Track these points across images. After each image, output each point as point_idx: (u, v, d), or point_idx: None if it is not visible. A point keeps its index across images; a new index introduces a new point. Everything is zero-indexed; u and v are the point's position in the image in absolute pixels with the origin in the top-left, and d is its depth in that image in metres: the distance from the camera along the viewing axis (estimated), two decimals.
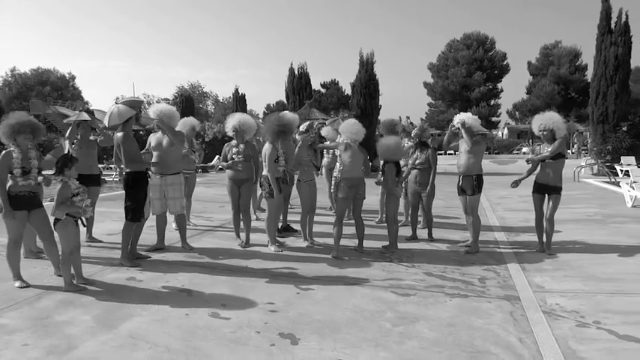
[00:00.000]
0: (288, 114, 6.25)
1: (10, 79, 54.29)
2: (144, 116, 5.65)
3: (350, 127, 5.59)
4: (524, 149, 40.18)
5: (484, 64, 52.93)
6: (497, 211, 8.93)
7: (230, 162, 5.85)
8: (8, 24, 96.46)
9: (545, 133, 5.55)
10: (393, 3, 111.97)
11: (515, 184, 5.79)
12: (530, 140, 39.18)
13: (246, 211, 6.05)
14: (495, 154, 40.30)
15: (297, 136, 6.33)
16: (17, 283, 4.35)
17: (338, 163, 6.36)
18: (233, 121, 5.94)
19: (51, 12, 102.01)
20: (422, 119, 58.18)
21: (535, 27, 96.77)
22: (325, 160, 8.18)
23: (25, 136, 4.36)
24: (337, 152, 6.47)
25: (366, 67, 20.56)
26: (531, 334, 3.33)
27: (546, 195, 5.62)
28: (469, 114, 6.00)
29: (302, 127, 6.33)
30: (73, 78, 59.03)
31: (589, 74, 40.06)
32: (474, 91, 52.02)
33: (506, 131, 55.03)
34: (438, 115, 53.32)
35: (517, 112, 57.00)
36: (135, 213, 5.08)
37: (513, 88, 73.86)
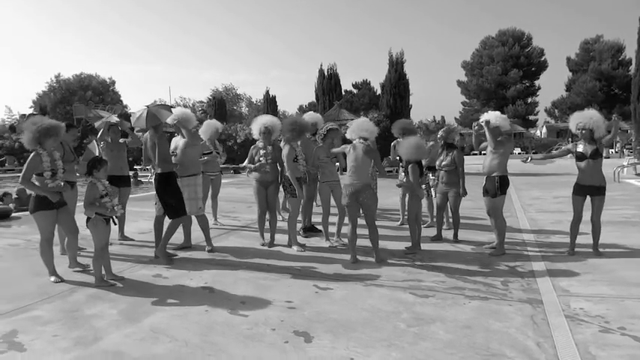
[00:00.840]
0: (309, 114, 6.32)
1: (55, 84, 56.83)
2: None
3: (358, 126, 5.34)
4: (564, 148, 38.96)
5: (520, 60, 51.61)
6: (528, 212, 8.70)
7: (257, 164, 5.92)
8: (54, 29, 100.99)
9: (583, 132, 5.35)
10: (425, 2, 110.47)
11: (526, 159, 5.92)
12: (570, 139, 37.91)
13: (273, 212, 6.13)
14: (533, 153, 39.11)
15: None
16: (52, 278, 4.59)
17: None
18: (259, 123, 5.99)
19: (95, 18, 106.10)
20: (455, 118, 57.20)
21: (574, 21, 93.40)
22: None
23: (50, 138, 4.50)
24: None
25: (396, 66, 20.46)
26: (550, 339, 3.26)
27: (588, 197, 5.43)
28: (497, 113, 5.86)
29: (322, 130, 6.34)
30: (113, 83, 61.24)
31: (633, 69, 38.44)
32: (510, 89, 50.80)
33: (544, 130, 53.41)
34: (472, 114, 52.25)
35: (556, 110, 55.24)
36: (177, 210, 5.27)
37: (552, 85, 71.71)
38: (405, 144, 5.69)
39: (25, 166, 4.44)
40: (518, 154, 38.32)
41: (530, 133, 46.07)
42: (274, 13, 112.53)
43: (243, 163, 6.24)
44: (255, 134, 6.03)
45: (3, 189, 14.29)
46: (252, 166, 5.98)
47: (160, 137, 5.28)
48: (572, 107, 49.58)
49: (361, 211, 5.29)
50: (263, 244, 6.10)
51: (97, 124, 6.20)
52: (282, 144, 5.81)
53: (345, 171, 6.72)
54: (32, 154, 4.47)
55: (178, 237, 6.03)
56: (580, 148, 5.43)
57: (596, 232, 5.48)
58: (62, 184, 4.66)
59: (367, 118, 5.39)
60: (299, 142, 5.91)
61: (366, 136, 5.31)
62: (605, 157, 25.38)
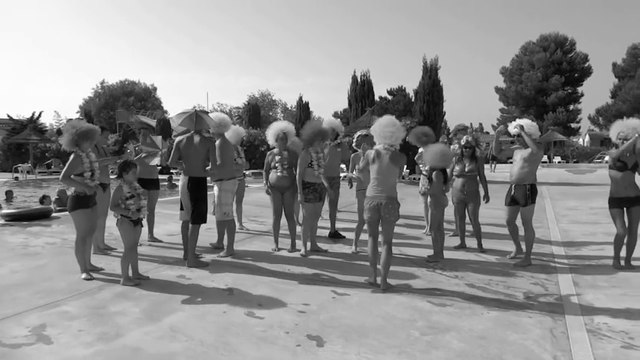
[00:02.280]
0: (327, 120, 6.39)
1: (100, 90, 59.37)
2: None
3: (382, 129, 4.60)
4: (607, 157, 37.22)
5: (562, 66, 49.92)
6: (561, 223, 8.43)
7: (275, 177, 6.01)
8: (100, 36, 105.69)
9: (625, 142, 5.11)
10: (464, 7, 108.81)
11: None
12: (614, 148, 36.29)
13: (291, 218, 6.19)
14: (574, 162, 37.68)
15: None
16: (83, 275, 4.82)
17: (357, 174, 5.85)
18: (274, 129, 6.09)
19: (138, 25, 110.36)
20: (492, 126, 55.93)
21: (621, 26, 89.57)
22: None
23: (87, 141, 4.83)
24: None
25: (430, 73, 20.26)
26: (568, 353, 3.17)
27: (625, 209, 5.21)
28: (527, 120, 5.77)
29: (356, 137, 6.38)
30: (155, 89, 63.41)
31: None
32: (551, 96, 49.20)
33: (587, 138, 51.45)
34: (510, 122, 50.93)
35: (600, 118, 53.07)
36: (204, 216, 5.40)
37: (596, 92, 69.03)
38: (430, 151, 5.65)
39: (67, 165, 4.76)
40: (558, 162, 37.02)
41: (571, 142, 44.41)
42: (311, 21, 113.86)
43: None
44: (271, 140, 6.12)
45: (46, 190, 15.07)
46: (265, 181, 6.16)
47: (211, 141, 5.44)
48: (618, 115, 47.30)
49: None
50: (274, 250, 6.13)
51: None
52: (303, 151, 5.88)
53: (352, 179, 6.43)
54: (73, 155, 4.80)
55: (204, 239, 6.19)
56: (622, 158, 5.17)
57: (633, 242, 5.23)
58: (98, 184, 4.96)
59: (393, 117, 4.79)
60: (319, 148, 5.92)
61: (392, 144, 4.60)
62: None
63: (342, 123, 7.93)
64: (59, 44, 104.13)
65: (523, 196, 5.40)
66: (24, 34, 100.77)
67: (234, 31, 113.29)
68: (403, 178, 17.73)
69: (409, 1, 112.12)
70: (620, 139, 5.20)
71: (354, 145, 6.54)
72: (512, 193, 5.51)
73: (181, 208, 5.53)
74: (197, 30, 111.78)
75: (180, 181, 5.47)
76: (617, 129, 5.27)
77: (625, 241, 5.24)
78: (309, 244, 5.99)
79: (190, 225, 5.37)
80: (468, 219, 6.40)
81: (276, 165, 6.01)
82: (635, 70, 47.67)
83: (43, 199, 9.72)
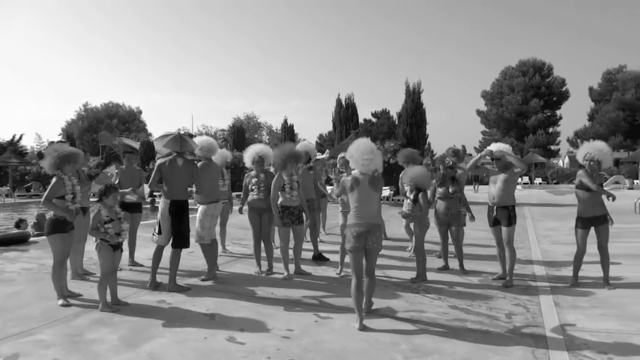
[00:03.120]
0: (302, 143, 6.44)
1: (83, 113, 58.94)
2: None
3: (360, 156, 4.21)
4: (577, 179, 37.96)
5: (541, 90, 51.22)
6: (542, 244, 8.53)
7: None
8: (83, 59, 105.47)
9: (592, 163, 5.34)
10: (445, 30, 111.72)
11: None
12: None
13: (268, 240, 6.16)
14: (554, 183, 38.36)
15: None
16: (60, 302, 4.70)
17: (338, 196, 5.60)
18: (251, 152, 6.12)
19: (121, 48, 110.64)
20: (475, 148, 56.81)
21: (596, 51, 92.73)
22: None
23: (69, 164, 4.80)
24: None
25: (413, 96, 20.62)
26: None
27: (592, 227, 5.41)
28: (500, 144, 5.90)
29: (323, 155, 6.42)
30: (139, 112, 63.20)
31: None
32: (531, 119, 50.28)
33: (567, 160, 52.43)
34: (491, 144, 51.88)
35: (579, 140, 54.20)
36: (187, 240, 5.34)
37: (574, 115, 70.78)
38: (415, 171, 5.72)
39: (49, 188, 4.71)
40: (539, 183, 37.63)
41: (551, 163, 45.21)
42: (296, 45, 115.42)
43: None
44: (248, 163, 6.15)
45: (23, 214, 14.73)
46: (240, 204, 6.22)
47: (194, 165, 5.41)
48: (596, 137, 48.52)
49: None
50: (257, 273, 6.09)
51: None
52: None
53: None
54: (55, 178, 4.76)
55: (186, 264, 6.11)
56: (585, 180, 5.39)
57: (606, 260, 5.41)
58: (79, 207, 4.92)
59: (368, 139, 4.53)
60: (293, 171, 5.87)
61: (370, 169, 4.27)
62: (629, 188, 24.65)
63: (326, 145, 8.03)
64: (41, 66, 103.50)
65: (507, 217, 5.49)
66: (4, 55, 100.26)
67: (218, 55, 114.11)
68: (387, 199, 17.81)
69: (391, 26, 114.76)
70: (586, 160, 5.41)
71: (337, 166, 6.58)
72: (495, 214, 5.60)
73: (159, 232, 5.32)
74: (182, 53, 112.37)
75: (161, 204, 5.35)
76: (584, 151, 5.49)
77: (599, 261, 5.38)
78: (291, 266, 5.94)
79: (172, 249, 5.29)
80: (450, 240, 6.44)
81: (253, 187, 6.02)
82: (610, 94, 49.15)
83: (20, 223, 9.45)
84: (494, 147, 5.82)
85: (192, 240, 5.61)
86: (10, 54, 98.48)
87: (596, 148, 5.43)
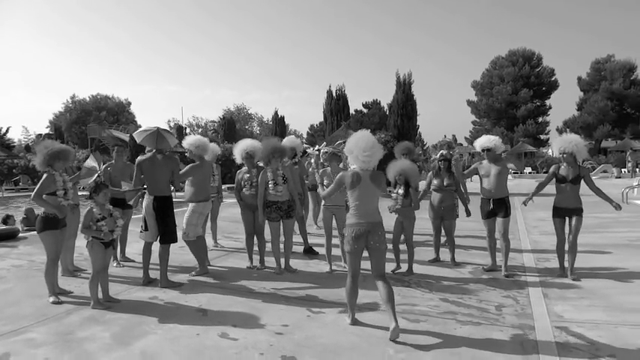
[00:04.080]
0: (288, 138, 6.44)
1: (70, 105, 58.11)
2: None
3: (360, 149, 3.94)
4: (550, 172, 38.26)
5: (531, 80, 51.47)
6: (531, 234, 8.64)
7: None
8: (70, 51, 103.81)
9: (565, 155, 5.47)
10: (435, 22, 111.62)
11: (526, 201, 5.90)
12: (582, 160, 37.29)
13: (261, 235, 6.16)
14: (544, 172, 38.74)
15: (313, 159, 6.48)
16: (51, 299, 4.68)
17: (319, 180, 5.85)
18: (240, 148, 6.11)
19: (109, 38, 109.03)
20: (465, 138, 57.13)
21: (585, 41, 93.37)
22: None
23: (60, 161, 4.77)
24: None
25: (403, 87, 20.62)
26: None
27: (567, 218, 5.53)
28: (490, 136, 5.94)
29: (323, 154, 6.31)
30: (129, 104, 62.43)
31: None
32: (521, 109, 50.57)
33: (555, 140, 53.00)
34: (482, 134, 51.89)
35: (568, 130, 54.68)
36: (174, 235, 5.32)
37: (563, 105, 71.38)
38: (404, 165, 5.67)
39: (39, 184, 4.69)
40: (529, 173, 37.98)
41: (541, 152, 45.60)
42: (287, 35, 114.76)
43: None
44: (238, 159, 6.15)
45: (11, 209, 14.57)
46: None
47: (174, 160, 5.41)
48: (584, 127, 49.16)
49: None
50: (250, 267, 6.11)
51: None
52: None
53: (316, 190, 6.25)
54: (46, 174, 4.73)
55: (177, 258, 6.10)
56: (563, 171, 5.55)
57: (573, 252, 5.50)
58: (72, 203, 4.93)
59: (368, 132, 4.24)
60: (278, 166, 5.82)
61: (371, 163, 4.01)
62: (617, 177, 25.00)
63: (317, 136, 8.03)
64: (28, 59, 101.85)
65: (504, 208, 5.61)
66: None
67: (208, 45, 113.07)
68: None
69: (382, 17, 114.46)
70: (561, 153, 5.53)
71: (321, 161, 6.52)
72: (492, 206, 5.67)
73: (145, 229, 5.30)
74: (171, 43, 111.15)
75: (145, 200, 5.33)
76: (558, 144, 5.60)
77: (586, 252, 5.50)
78: (282, 260, 5.95)
79: (160, 245, 5.28)
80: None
81: (245, 183, 6.03)
82: (598, 84, 49.50)
83: (7, 219, 9.31)
84: (483, 140, 5.87)
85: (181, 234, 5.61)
86: None
87: (567, 140, 5.53)
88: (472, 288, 5.16)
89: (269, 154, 5.77)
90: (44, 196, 4.66)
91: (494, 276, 5.65)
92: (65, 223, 4.86)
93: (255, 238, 6.22)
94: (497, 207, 5.63)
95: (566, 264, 5.60)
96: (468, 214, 6.34)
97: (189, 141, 5.85)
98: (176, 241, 5.41)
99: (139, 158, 5.38)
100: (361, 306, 4.46)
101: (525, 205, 5.94)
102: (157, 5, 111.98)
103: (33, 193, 4.69)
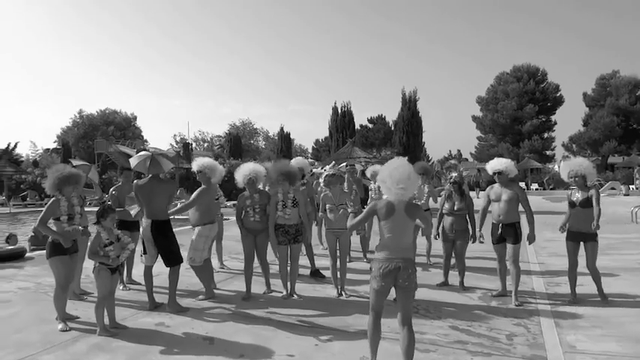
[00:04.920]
0: (296, 160, 6.39)
1: (78, 120, 58.69)
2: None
3: (394, 181, 3.56)
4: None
5: (536, 96, 51.48)
6: (540, 256, 8.55)
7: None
8: (78, 66, 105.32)
9: (576, 179, 5.43)
10: (439, 38, 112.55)
11: (563, 229, 5.75)
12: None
13: (264, 260, 5.99)
14: (550, 189, 38.49)
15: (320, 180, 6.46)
16: (60, 326, 4.64)
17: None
18: (241, 174, 5.84)
19: (116, 52, 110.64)
20: (471, 153, 57.02)
21: (590, 57, 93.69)
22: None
23: (70, 186, 4.80)
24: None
25: (409, 104, 20.71)
26: None
27: (582, 243, 5.46)
28: (502, 160, 5.86)
29: (326, 176, 6.25)
30: (135, 118, 63.00)
31: None
32: (526, 124, 50.49)
33: (562, 165, 52.69)
34: (488, 150, 51.99)
35: (574, 145, 54.59)
36: (178, 256, 5.31)
37: (569, 121, 71.17)
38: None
39: (44, 210, 4.72)
40: (536, 189, 37.76)
41: (547, 168, 45.41)
42: (294, 48, 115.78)
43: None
44: (241, 184, 5.91)
45: (17, 226, 14.60)
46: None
47: (172, 184, 5.45)
48: (590, 142, 48.97)
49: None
50: (245, 298, 5.74)
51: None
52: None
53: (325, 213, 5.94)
54: (52, 200, 4.77)
55: (185, 280, 6.06)
56: (573, 196, 5.54)
57: (595, 278, 5.46)
58: (80, 228, 4.90)
59: (400, 157, 3.88)
60: (288, 189, 5.74)
61: (406, 194, 3.62)
62: (625, 195, 24.63)
63: (322, 151, 8.07)
64: (37, 73, 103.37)
65: (513, 234, 5.51)
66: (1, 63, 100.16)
67: (214, 59, 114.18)
68: None
69: (389, 31, 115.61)
70: (571, 177, 5.50)
71: (322, 184, 6.47)
72: (500, 231, 5.59)
73: (144, 252, 5.32)
74: (176, 54, 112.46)
75: (143, 223, 5.34)
76: (567, 168, 5.58)
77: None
78: (289, 285, 5.89)
79: (169, 268, 5.27)
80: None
81: (248, 209, 5.80)
82: (604, 100, 49.44)
83: (9, 239, 9.26)
84: (494, 163, 5.80)
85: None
86: (6, 61, 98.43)
87: (576, 164, 5.54)
88: (482, 315, 5.08)
89: (279, 176, 5.72)
90: (51, 221, 4.67)
91: (504, 301, 5.57)
92: (76, 248, 4.86)
93: (257, 263, 6.12)
94: (507, 232, 5.55)
95: (578, 289, 5.54)
96: (473, 240, 6.12)
97: (202, 163, 5.83)
98: (182, 261, 5.38)
99: (137, 182, 5.43)
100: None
101: (562, 232, 5.80)
102: (163, 17, 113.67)
103: (38, 220, 4.70)
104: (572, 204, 5.52)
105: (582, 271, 5.57)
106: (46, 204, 4.77)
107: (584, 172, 5.39)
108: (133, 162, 5.43)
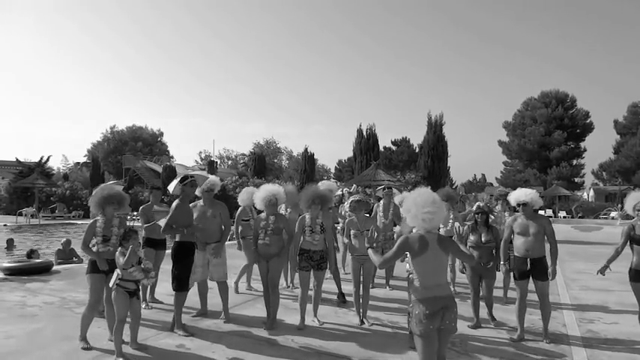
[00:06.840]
0: (323, 183, 6.24)
1: (109, 135, 60.47)
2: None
3: (419, 206, 3.39)
4: (613, 214, 36.64)
5: (564, 122, 50.58)
6: (571, 289, 8.20)
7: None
8: (107, 82, 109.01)
9: None
10: (468, 60, 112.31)
11: (603, 270, 5.19)
12: (620, 205, 35.77)
13: (275, 288, 5.57)
14: (579, 217, 37.37)
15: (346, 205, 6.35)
16: (82, 344, 4.65)
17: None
18: (264, 195, 5.59)
19: (145, 70, 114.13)
20: (496, 178, 56.14)
21: (621, 83, 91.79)
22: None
23: (113, 206, 4.86)
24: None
25: (435, 128, 20.57)
26: None
27: None
28: (527, 190, 5.57)
29: (351, 202, 6.11)
30: (161, 134, 64.59)
31: None
32: (554, 151, 49.52)
33: (592, 193, 51.24)
34: (514, 175, 51.09)
35: (604, 173, 53.23)
36: (185, 284, 5.28)
37: (599, 147, 69.15)
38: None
39: (85, 231, 4.83)
40: (564, 217, 36.73)
41: (576, 196, 44.22)
42: (321, 68, 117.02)
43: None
44: (260, 205, 5.68)
45: (44, 238, 14.87)
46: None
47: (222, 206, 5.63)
48: (622, 171, 47.63)
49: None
50: (264, 324, 5.51)
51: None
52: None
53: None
54: (92, 220, 4.88)
55: (194, 301, 6.03)
56: (639, 230, 4.93)
57: None
58: (112, 250, 4.76)
59: (428, 189, 3.74)
60: (317, 213, 5.60)
61: (435, 225, 3.45)
62: None
63: (345, 171, 7.98)
64: (69, 90, 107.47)
65: (544, 270, 5.14)
66: (35, 81, 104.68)
67: (240, 78, 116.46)
68: None
69: (414, 54, 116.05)
70: (637, 210, 4.99)
71: (347, 210, 6.36)
72: (528, 267, 5.22)
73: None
74: (201, 73, 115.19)
75: (174, 245, 5.35)
76: (633, 201, 5.07)
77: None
78: (310, 310, 5.74)
79: (175, 293, 5.27)
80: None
81: (260, 232, 5.54)
82: (636, 128, 48.23)
83: (31, 254, 9.39)
84: (518, 194, 5.52)
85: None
86: (40, 79, 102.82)
87: None
88: (510, 351, 4.86)
89: (315, 199, 5.59)
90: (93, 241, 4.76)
91: (533, 338, 5.32)
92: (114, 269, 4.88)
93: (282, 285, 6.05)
94: (536, 268, 5.16)
95: (615, 327, 5.22)
96: (498, 269, 5.75)
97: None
98: (178, 290, 5.30)
99: (175, 204, 5.31)
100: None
101: (603, 274, 5.24)
102: (190, 37, 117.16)
103: (81, 242, 4.84)
104: (636, 240, 4.91)
105: (617, 308, 5.28)
106: (73, 217, 4.85)
107: None
108: (171, 187, 5.46)
